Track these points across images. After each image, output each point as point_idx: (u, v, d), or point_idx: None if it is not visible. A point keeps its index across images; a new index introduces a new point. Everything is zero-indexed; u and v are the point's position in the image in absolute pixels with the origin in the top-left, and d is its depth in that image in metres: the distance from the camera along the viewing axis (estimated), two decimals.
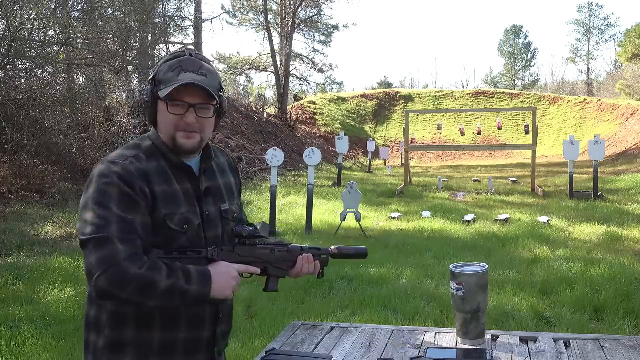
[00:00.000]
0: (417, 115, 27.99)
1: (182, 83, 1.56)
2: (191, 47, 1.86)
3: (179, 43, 25.73)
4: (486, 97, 31.03)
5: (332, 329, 2.60)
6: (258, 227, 1.74)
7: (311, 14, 31.92)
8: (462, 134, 18.25)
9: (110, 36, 13.88)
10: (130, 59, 14.27)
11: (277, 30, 30.25)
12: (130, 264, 1.42)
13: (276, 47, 28.87)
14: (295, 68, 31.75)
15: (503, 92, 32.19)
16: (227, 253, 1.62)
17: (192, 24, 24.82)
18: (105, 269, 1.40)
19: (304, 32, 32.87)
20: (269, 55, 29.22)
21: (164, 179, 1.58)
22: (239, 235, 1.65)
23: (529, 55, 54.58)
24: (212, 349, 1.68)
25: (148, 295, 1.43)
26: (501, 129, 19.26)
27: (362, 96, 31.57)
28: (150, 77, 1.64)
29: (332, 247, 1.86)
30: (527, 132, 15.52)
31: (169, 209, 1.55)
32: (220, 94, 1.65)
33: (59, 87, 12.08)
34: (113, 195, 1.47)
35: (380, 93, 32.23)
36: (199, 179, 1.66)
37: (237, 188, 1.85)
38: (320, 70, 34.05)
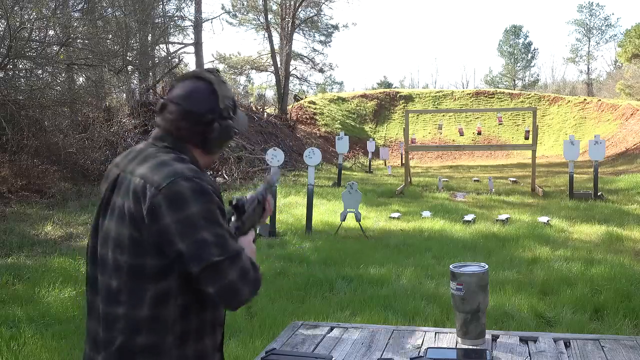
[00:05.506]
0: (417, 115, 27.99)
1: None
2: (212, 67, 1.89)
3: (179, 43, 25.76)
4: (486, 97, 31.04)
5: (332, 329, 2.60)
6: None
7: (311, 14, 31.93)
8: (461, 134, 18.23)
9: (110, 36, 13.90)
10: (130, 59, 14.28)
11: (277, 30, 30.26)
12: (254, 269, 1.51)
13: (276, 47, 28.89)
14: (295, 68, 31.78)
15: (503, 92, 32.19)
16: (241, 227, 1.71)
17: (192, 23, 24.83)
18: (246, 281, 1.47)
19: (304, 32, 32.90)
20: (269, 55, 29.24)
21: None
22: (242, 207, 1.71)
23: (529, 55, 54.56)
24: (222, 344, 1.73)
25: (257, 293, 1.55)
26: (502, 123, 19.26)
27: (362, 96, 31.56)
28: (232, 109, 1.66)
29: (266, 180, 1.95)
30: (526, 138, 15.53)
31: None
32: None
33: (59, 87, 12.08)
34: (217, 212, 1.49)
35: (380, 93, 32.23)
36: None
37: None
38: (320, 70, 34.09)
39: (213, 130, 1.59)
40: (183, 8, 23.91)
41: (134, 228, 1.47)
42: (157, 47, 19.37)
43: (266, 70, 32.02)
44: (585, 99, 29.73)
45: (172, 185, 1.45)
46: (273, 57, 28.30)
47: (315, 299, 5.32)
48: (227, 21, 32.42)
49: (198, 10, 24.36)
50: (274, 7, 30.70)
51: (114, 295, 1.50)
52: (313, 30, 33.20)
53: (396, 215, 9.93)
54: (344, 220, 8.49)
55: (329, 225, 9.12)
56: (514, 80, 53.77)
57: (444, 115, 27.45)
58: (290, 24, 28.47)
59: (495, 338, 2.41)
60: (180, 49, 25.30)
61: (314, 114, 28.33)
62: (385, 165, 21.29)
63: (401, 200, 12.23)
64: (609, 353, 2.22)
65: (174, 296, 1.47)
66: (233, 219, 1.68)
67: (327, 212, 10.24)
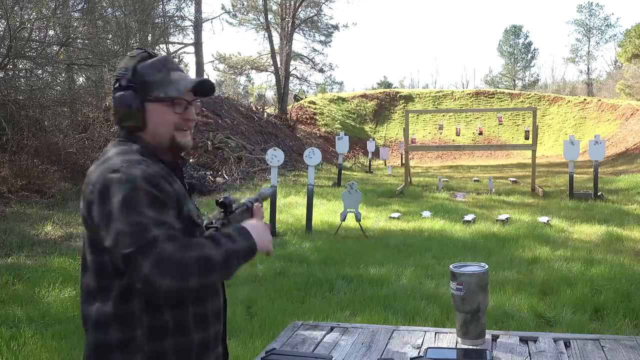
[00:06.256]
0: (417, 115, 27.99)
1: (200, 80, 1.59)
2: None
3: (179, 43, 25.77)
4: (486, 97, 31.04)
5: (332, 329, 2.60)
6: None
7: (311, 14, 31.95)
8: (458, 134, 18.22)
9: (110, 36, 13.90)
10: None
11: (277, 30, 30.27)
12: (182, 253, 1.36)
13: (276, 47, 28.89)
14: (295, 68, 31.81)
15: (503, 92, 32.21)
16: (226, 225, 1.65)
17: (192, 23, 24.87)
18: (162, 271, 1.33)
19: (304, 32, 32.92)
20: (269, 55, 29.25)
21: (172, 179, 1.55)
22: (229, 206, 1.66)
23: (529, 55, 54.60)
24: (224, 339, 1.71)
25: (212, 272, 1.40)
26: (502, 123, 19.28)
27: (362, 96, 31.57)
28: (125, 81, 1.62)
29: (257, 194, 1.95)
30: (526, 138, 15.54)
31: (187, 205, 1.55)
32: None
33: (59, 87, 12.08)
34: (142, 198, 1.39)
35: (380, 93, 32.24)
36: (183, 175, 1.67)
37: None
38: (320, 70, 34.11)
39: (114, 106, 1.58)
40: (183, 8, 23.93)
41: (87, 227, 1.51)
42: (157, 47, 19.35)
43: (266, 71, 32.04)
44: (585, 99, 29.73)
45: (103, 180, 1.43)
46: (273, 57, 28.31)
47: (315, 299, 5.31)
48: (227, 21, 32.58)
49: (198, 10, 24.39)
50: (274, 7, 30.71)
51: (89, 295, 1.53)
52: (313, 30, 33.22)
53: (396, 215, 9.92)
54: (344, 220, 8.49)
55: (329, 225, 9.12)
56: (514, 80, 53.79)
57: (444, 115, 27.45)
58: (290, 24, 28.48)
59: (495, 338, 2.41)
60: (180, 49, 25.34)
61: (314, 114, 28.33)
62: (385, 165, 21.29)
63: (401, 200, 12.23)
64: (609, 353, 2.22)
65: (138, 290, 1.41)
66: (219, 214, 1.66)
67: (327, 212, 10.24)
